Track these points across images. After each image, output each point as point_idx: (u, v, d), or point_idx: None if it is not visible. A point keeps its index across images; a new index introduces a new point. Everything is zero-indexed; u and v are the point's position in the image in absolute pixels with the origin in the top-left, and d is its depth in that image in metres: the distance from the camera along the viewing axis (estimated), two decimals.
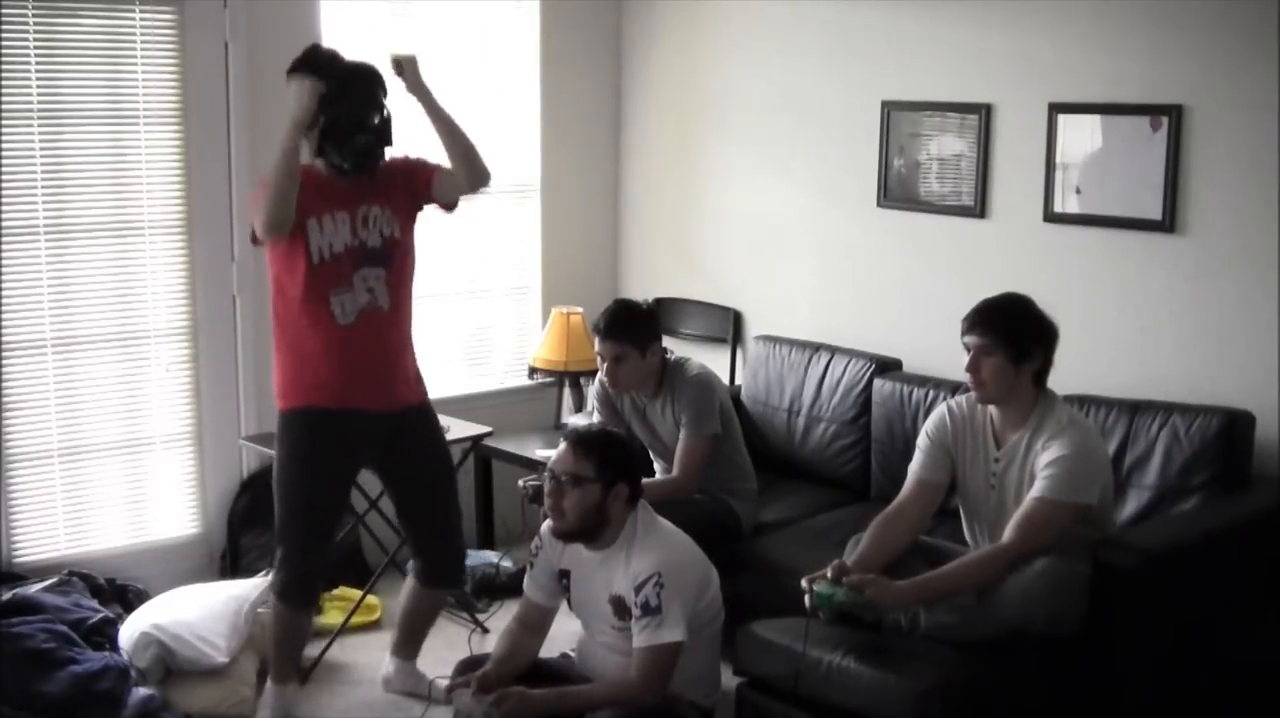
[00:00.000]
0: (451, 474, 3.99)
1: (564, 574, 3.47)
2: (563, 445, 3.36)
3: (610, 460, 3.30)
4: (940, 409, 3.64)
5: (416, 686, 4.04)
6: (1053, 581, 3.23)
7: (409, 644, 4.09)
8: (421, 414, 3.88)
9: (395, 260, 3.74)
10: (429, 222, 3.94)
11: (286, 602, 3.80)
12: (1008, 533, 3.35)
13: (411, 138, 3.84)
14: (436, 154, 3.79)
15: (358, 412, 3.72)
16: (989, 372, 3.42)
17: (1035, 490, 3.34)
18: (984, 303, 3.50)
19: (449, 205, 3.86)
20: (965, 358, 3.46)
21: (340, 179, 3.70)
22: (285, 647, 3.90)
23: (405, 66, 3.72)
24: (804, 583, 3.34)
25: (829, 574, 3.31)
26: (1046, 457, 3.35)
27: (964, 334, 3.47)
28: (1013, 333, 3.41)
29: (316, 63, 3.66)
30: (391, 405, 3.77)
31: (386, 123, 3.71)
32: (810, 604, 3.31)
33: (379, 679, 4.14)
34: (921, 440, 3.62)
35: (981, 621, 3.29)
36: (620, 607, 3.32)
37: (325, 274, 3.66)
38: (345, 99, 3.64)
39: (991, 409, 3.52)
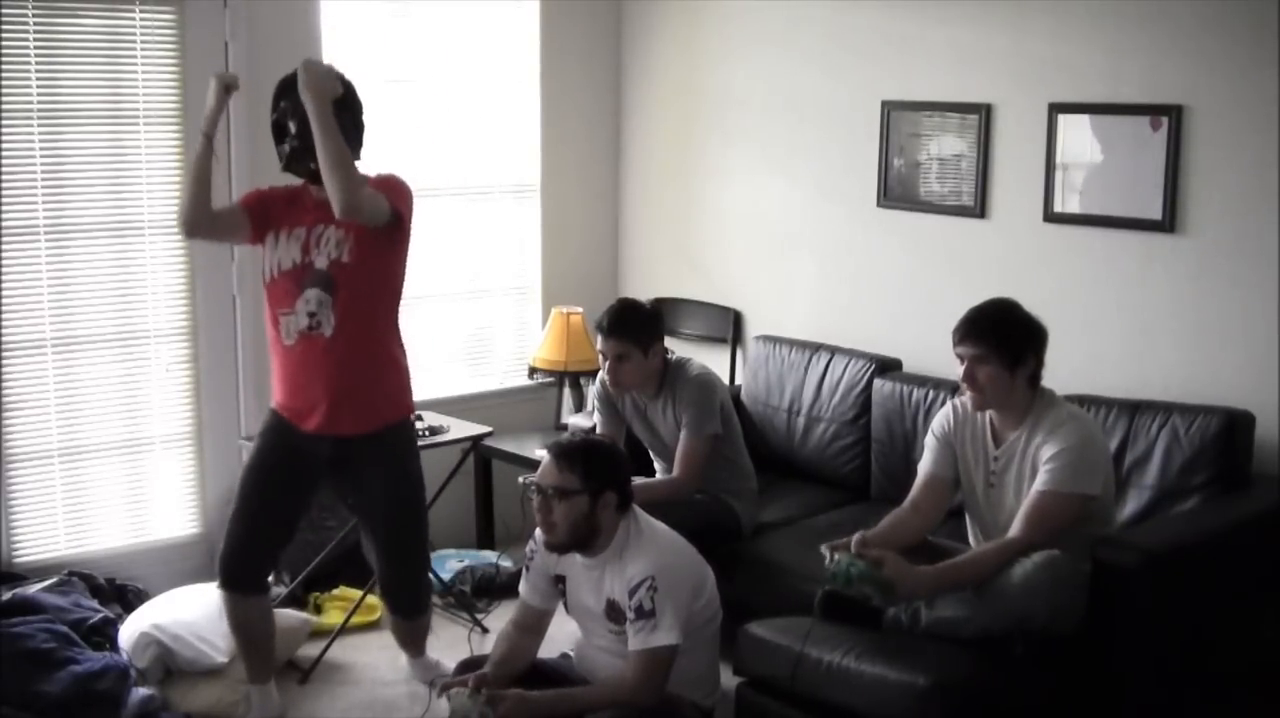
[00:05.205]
0: (414, 506, 3.83)
1: (559, 579, 3.46)
2: (546, 458, 3.31)
3: (595, 470, 3.26)
4: (945, 408, 3.65)
5: (433, 673, 4.02)
6: (1054, 573, 3.23)
7: (409, 646, 4.13)
8: (380, 444, 3.71)
9: (343, 286, 3.57)
10: (429, 220, 3.91)
11: (221, 587, 3.81)
12: (1015, 526, 3.35)
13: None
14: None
15: (298, 430, 3.69)
16: (985, 380, 3.42)
17: (1039, 484, 3.35)
18: (972, 312, 3.49)
19: (384, 228, 3.55)
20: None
21: (314, 193, 3.61)
22: (240, 637, 3.86)
23: (304, 70, 3.50)
24: (824, 549, 3.35)
25: (851, 546, 3.31)
26: (1048, 450, 3.35)
27: (956, 345, 3.47)
28: (1005, 340, 3.40)
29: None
30: (335, 431, 3.65)
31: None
32: (829, 571, 3.30)
33: (381, 679, 4.15)
34: (928, 439, 3.64)
35: (984, 614, 3.29)
36: (615, 611, 3.31)
37: (275, 292, 3.64)
38: (279, 104, 3.61)
39: (990, 410, 3.53)
